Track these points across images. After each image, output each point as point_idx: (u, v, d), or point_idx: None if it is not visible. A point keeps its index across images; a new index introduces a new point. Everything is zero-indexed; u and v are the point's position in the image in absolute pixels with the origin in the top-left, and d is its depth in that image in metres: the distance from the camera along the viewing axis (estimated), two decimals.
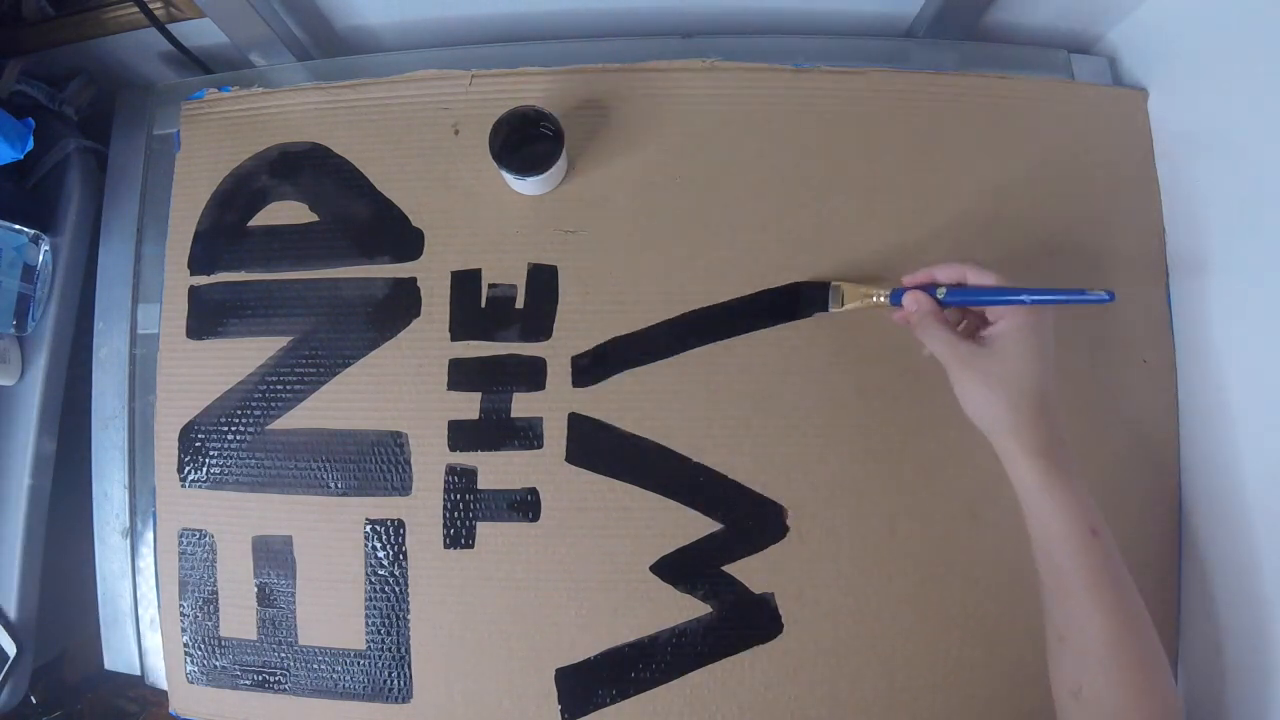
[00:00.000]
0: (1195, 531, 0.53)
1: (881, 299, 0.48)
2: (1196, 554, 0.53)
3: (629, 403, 0.53)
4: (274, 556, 0.54)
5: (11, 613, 0.58)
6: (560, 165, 0.51)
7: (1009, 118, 0.56)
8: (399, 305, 0.54)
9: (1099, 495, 0.53)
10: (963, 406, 0.44)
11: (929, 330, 0.44)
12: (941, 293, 0.45)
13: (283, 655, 0.53)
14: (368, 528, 0.53)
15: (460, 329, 0.54)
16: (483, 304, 0.54)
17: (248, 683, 0.54)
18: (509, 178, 0.51)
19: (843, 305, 0.51)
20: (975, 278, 0.44)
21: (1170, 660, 0.53)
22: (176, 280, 0.57)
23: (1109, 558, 0.40)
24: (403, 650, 0.52)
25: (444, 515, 0.53)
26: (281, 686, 0.53)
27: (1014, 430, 0.41)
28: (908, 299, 0.46)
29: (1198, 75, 0.53)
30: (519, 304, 0.54)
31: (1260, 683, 0.48)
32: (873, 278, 0.53)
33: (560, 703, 0.51)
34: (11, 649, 0.58)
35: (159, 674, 0.57)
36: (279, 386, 0.55)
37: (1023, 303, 0.42)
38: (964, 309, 0.46)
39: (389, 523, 0.53)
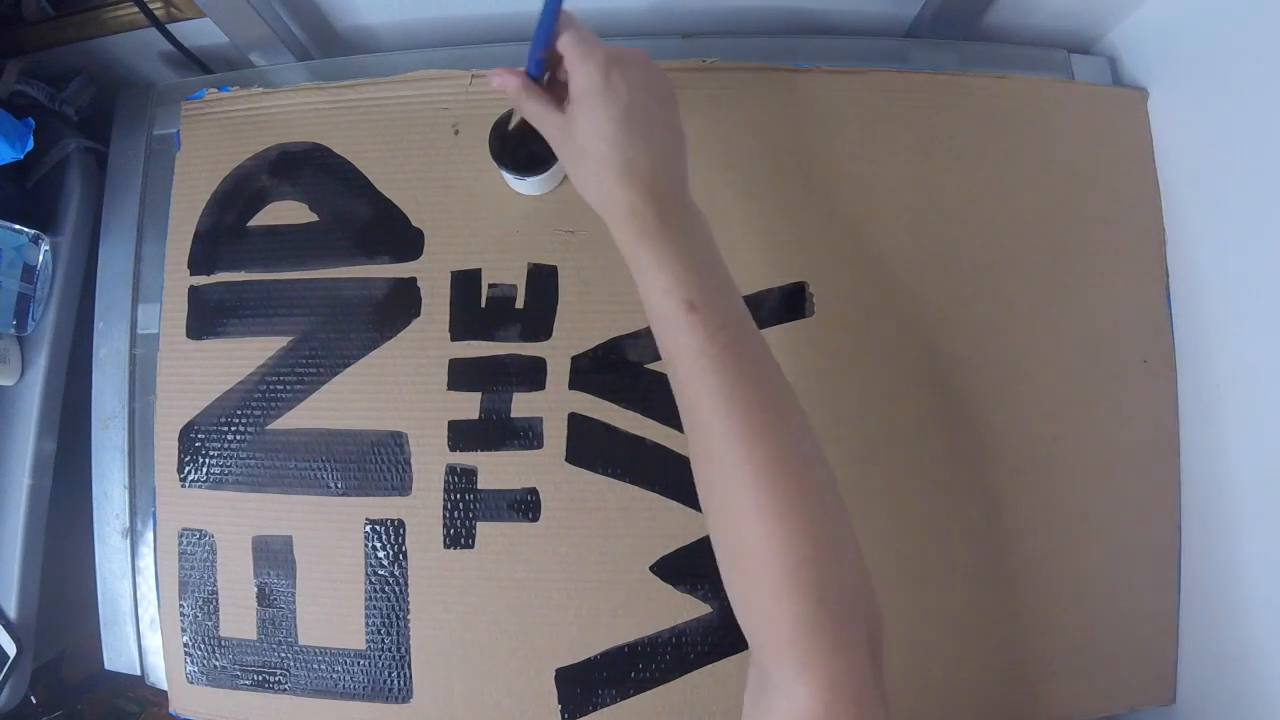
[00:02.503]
0: (1195, 531, 0.53)
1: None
2: (1196, 554, 0.53)
3: (629, 403, 0.53)
4: (274, 556, 0.54)
5: (11, 613, 0.58)
6: (560, 165, 0.51)
7: (1009, 118, 0.56)
8: (399, 305, 0.54)
9: (1098, 496, 0.53)
10: (575, 186, 0.39)
11: (523, 105, 0.39)
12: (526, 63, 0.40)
13: (283, 655, 0.53)
14: (368, 528, 0.53)
15: (460, 329, 0.54)
16: (483, 304, 0.54)
17: (248, 683, 0.54)
18: (509, 178, 0.51)
19: (511, 123, 0.47)
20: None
21: (1170, 660, 0.53)
22: (176, 280, 0.57)
23: (715, 337, 0.34)
24: (403, 650, 0.52)
25: (444, 515, 0.53)
26: (281, 686, 0.53)
27: (600, 199, 0.37)
28: (493, 78, 0.40)
29: (1198, 75, 0.53)
30: (519, 304, 0.54)
31: (1260, 683, 0.48)
32: (873, 279, 0.53)
33: (560, 703, 0.51)
34: (11, 649, 0.58)
35: (159, 674, 0.57)
36: (279, 386, 0.55)
37: (540, 43, 0.37)
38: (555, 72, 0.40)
39: (389, 523, 0.53)
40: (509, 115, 0.49)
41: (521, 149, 0.51)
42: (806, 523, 0.33)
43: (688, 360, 0.35)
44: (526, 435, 0.53)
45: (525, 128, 0.50)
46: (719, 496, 0.35)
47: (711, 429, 0.34)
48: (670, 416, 0.52)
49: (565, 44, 0.36)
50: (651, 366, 0.52)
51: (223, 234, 0.57)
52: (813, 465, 0.35)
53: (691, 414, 0.36)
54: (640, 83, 0.37)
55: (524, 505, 0.52)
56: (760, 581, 0.33)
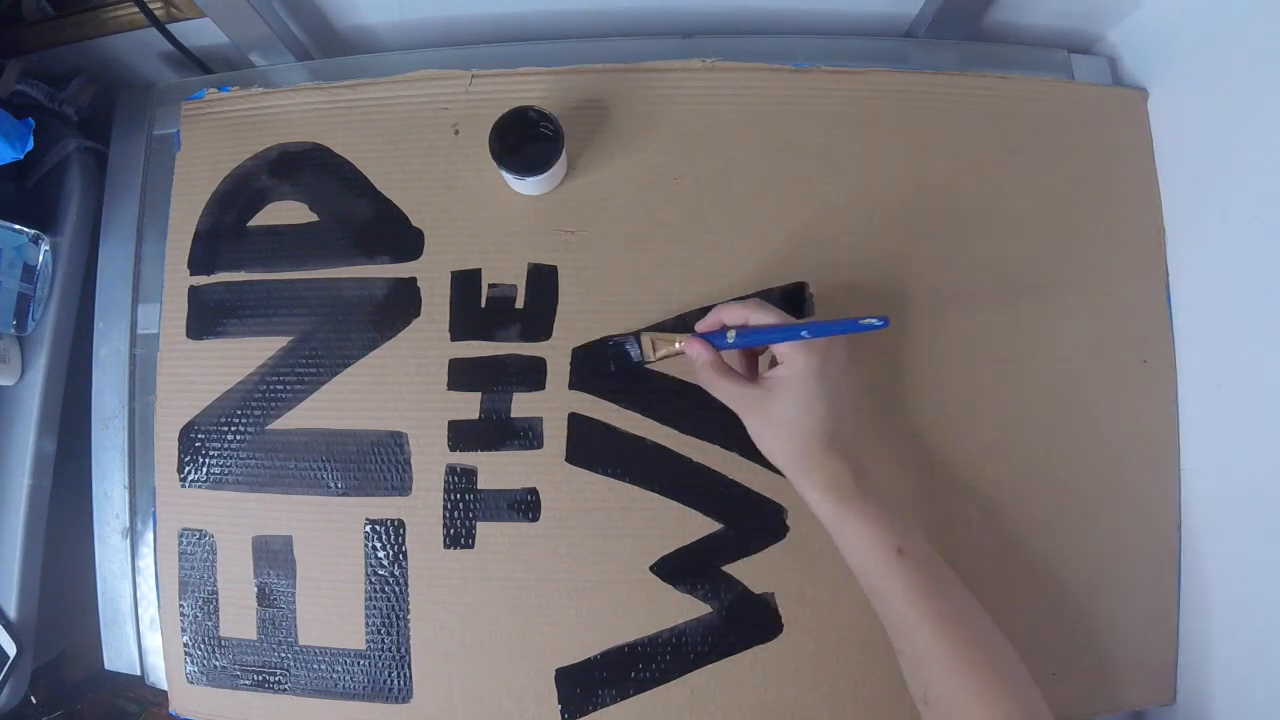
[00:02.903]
0: (1195, 531, 0.53)
1: (679, 347, 0.48)
2: (1196, 554, 0.53)
3: (629, 403, 0.53)
4: (274, 556, 0.54)
5: (11, 613, 0.58)
6: (560, 165, 0.51)
7: (1009, 118, 0.56)
8: (399, 305, 0.54)
9: (1098, 496, 0.53)
10: (756, 444, 0.45)
11: (709, 381, 0.45)
12: (731, 335, 0.45)
13: (283, 655, 0.53)
14: (368, 528, 0.53)
15: (460, 329, 0.54)
16: (483, 304, 0.54)
17: (248, 683, 0.54)
18: (509, 178, 0.51)
19: (655, 356, 0.50)
20: (757, 317, 0.44)
21: (1170, 660, 0.53)
22: (176, 280, 0.57)
23: (921, 572, 0.41)
24: (403, 650, 0.52)
25: (444, 515, 0.53)
26: (281, 686, 0.53)
27: (802, 471, 0.42)
28: (687, 350, 0.46)
29: (1198, 75, 0.53)
30: (519, 304, 0.54)
31: (1259, 683, 0.48)
32: (873, 279, 0.53)
33: (560, 703, 0.51)
34: (11, 649, 0.58)
35: (159, 674, 0.57)
36: (279, 386, 0.55)
37: (802, 337, 0.42)
38: (752, 350, 0.47)
39: (389, 523, 0.53)
40: (510, 114, 0.49)
41: (522, 149, 0.51)
42: (1018, 702, 0.39)
43: (900, 593, 0.41)
44: (526, 435, 0.53)
45: (525, 129, 0.50)
46: (936, 689, 0.40)
47: (927, 643, 0.40)
48: (670, 416, 0.52)
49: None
50: (651, 366, 0.52)
51: (223, 234, 0.57)
52: (1011, 657, 0.41)
53: (905, 634, 0.41)
54: (843, 368, 0.44)
55: (524, 505, 0.52)
56: None
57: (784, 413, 0.42)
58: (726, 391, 0.45)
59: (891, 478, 0.52)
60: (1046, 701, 0.40)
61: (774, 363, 0.45)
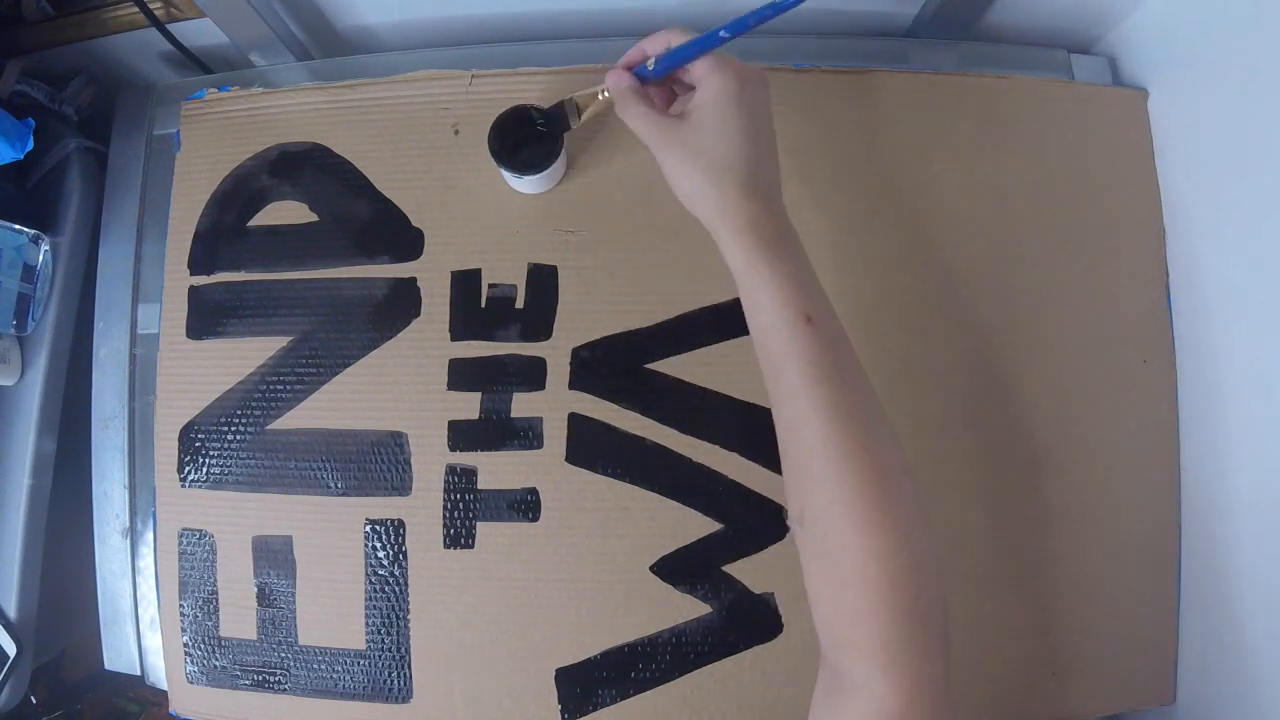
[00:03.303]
0: (1195, 531, 0.53)
1: (606, 94, 0.44)
2: (1196, 554, 0.53)
3: (629, 403, 0.53)
4: (274, 556, 0.54)
5: (11, 613, 0.58)
6: (560, 164, 0.51)
7: (1009, 118, 0.56)
8: (399, 305, 0.54)
9: (1098, 496, 0.53)
10: (673, 190, 0.40)
11: (627, 108, 0.41)
12: (650, 64, 0.41)
13: (283, 655, 0.53)
14: (368, 528, 0.53)
15: (460, 329, 0.54)
16: (483, 304, 0.54)
17: (248, 683, 0.54)
18: (508, 176, 0.51)
19: (580, 118, 0.47)
20: (678, 38, 0.40)
21: (1170, 660, 0.53)
22: (176, 280, 0.57)
23: (827, 349, 0.36)
24: (403, 650, 0.52)
25: (444, 515, 0.53)
26: (281, 686, 0.53)
27: (719, 209, 0.38)
28: (608, 78, 0.42)
29: (1198, 75, 0.53)
30: (519, 304, 0.54)
31: (1260, 683, 0.48)
32: (872, 278, 0.53)
33: (560, 703, 0.51)
34: (11, 649, 0.58)
35: (159, 674, 0.57)
36: (279, 386, 0.55)
37: (721, 38, 0.38)
38: (674, 82, 0.43)
39: (389, 523, 0.53)
40: (509, 113, 0.49)
41: (522, 148, 0.51)
42: (903, 533, 0.34)
43: (798, 370, 0.36)
44: (526, 435, 0.53)
45: (525, 127, 0.50)
46: (816, 500, 0.36)
47: (814, 439, 0.35)
48: (670, 417, 0.52)
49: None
50: (651, 366, 0.52)
51: (223, 234, 0.57)
52: (905, 476, 0.36)
53: (794, 424, 0.37)
54: (764, 100, 0.40)
55: (524, 505, 0.52)
56: (852, 586, 0.34)
57: (700, 141, 0.38)
58: (643, 121, 0.40)
59: None
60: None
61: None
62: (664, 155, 0.40)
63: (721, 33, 0.38)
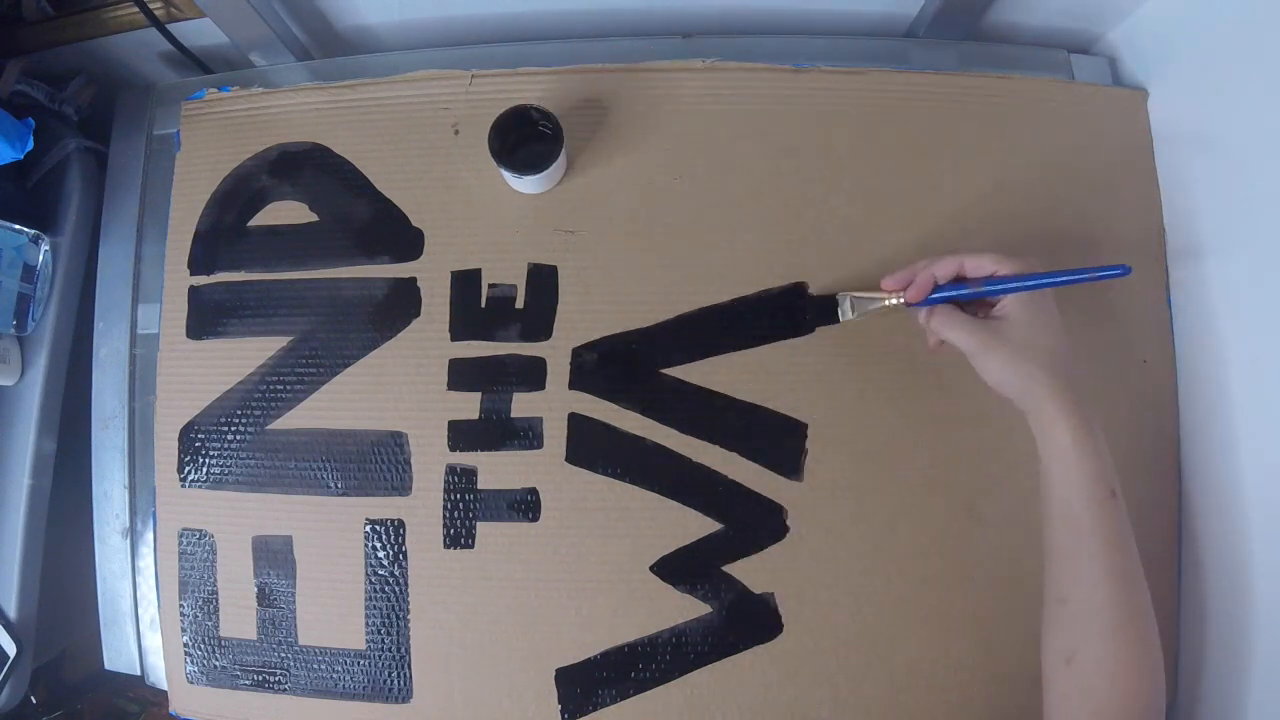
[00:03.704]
0: (1195, 531, 0.53)
1: (894, 302, 0.48)
2: (1196, 554, 0.53)
3: (629, 403, 0.53)
4: (274, 556, 0.54)
5: (11, 613, 0.58)
6: (559, 164, 0.51)
7: (1009, 118, 0.56)
8: (399, 305, 0.54)
9: None
10: (995, 385, 0.44)
11: (952, 323, 0.45)
12: (973, 287, 0.45)
13: (283, 655, 0.53)
14: (368, 528, 0.53)
15: (460, 329, 0.54)
16: (483, 304, 0.54)
17: (248, 683, 0.54)
18: (508, 176, 0.51)
19: (852, 315, 0.51)
20: (974, 269, 0.45)
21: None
22: (176, 280, 0.57)
23: (1123, 523, 0.41)
24: (403, 650, 0.52)
25: (444, 515, 0.53)
26: (281, 686, 0.53)
27: (1051, 393, 0.42)
28: (924, 314, 0.47)
29: (1198, 75, 0.53)
30: (519, 304, 0.54)
31: (1260, 682, 0.48)
32: (872, 281, 0.53)
33: (560, 703, 0.51)
34: (11, 649, 0.58)
35: (159, 674, 0.57)
36: (279, 386, 0.55)
37: (1043, 286, 0.43)
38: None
39: (389, 523, 0.53)
40: (509, 113, 0.49)
41: (522, 148, 0.51)
42: (1158, 673, 0.40)
43: (1099, 541, 0.40)
44: (526, 435, 0.53)
45: (525, 127, 0.50)
46: (1090, 650, 0.40)
47: (1103, 600, 0.40)
48: (670, 417, 0.52)
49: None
50: (651, 367, 0.52)
51: (223, 234, 0.57)
52: (1154, 618, 0.41)
53: (1083, 583, 0.41)
54: (1051, 292, 0.44)
55: (524, 505, 0.52)
56: (1106, 714, 0.39)
57: (1025, 337, 0.43)
58: (965, 329, 0.44)
59: (892, 478, 0.52)
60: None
61: (984, 305, 0.46)
62: (991, 353, 0.44)
63: (1044, 281, 0.43)
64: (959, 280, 0.46)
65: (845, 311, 0.51)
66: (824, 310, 0.52)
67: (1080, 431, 0.41)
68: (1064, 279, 0.43)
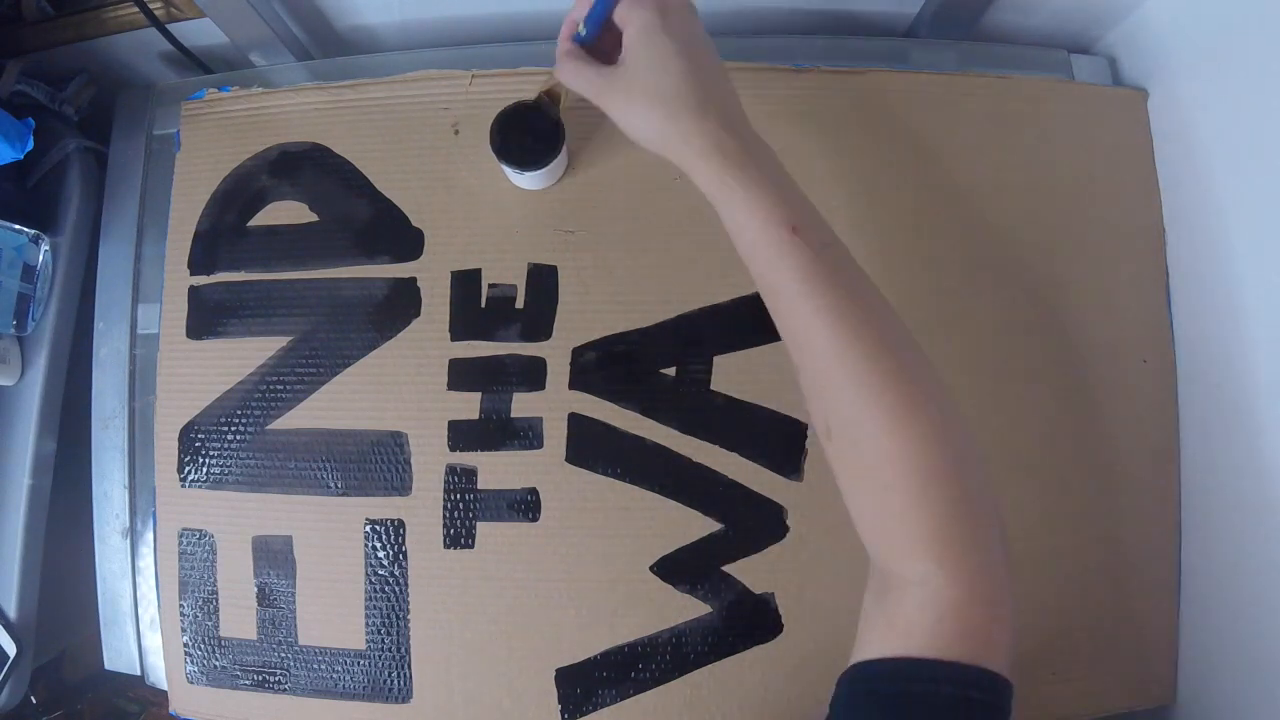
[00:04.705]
0: (1195, 531, 0.53)
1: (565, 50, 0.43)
2: (1196, 553, 0.53)
3: (629, 403, 0.53)
4: (274, 556, 0.54)
5: (11, 613, 0.58)
6: (560, 160, 0.51)
7: (1009, 118, 0.56)
8: (399, 305, 0.54)
9: (1098, 495, 0.53)
10: (630, 136, 0.39)
11: (564, 70, 0.41)
12: (582, 31, 0.41)
13: (283, 655, 0.53)
14: (368, 528, 0.53)
15: (460, 329, 0.54)
16: (483, 304, 0.54)
17: (248, 683, 0.54)
18: (509, 172, 0.51)
19: (560, 104, 0.47)
20: None
21: (1170, 660, 0.53)
22: (176, 280, 0.57)
23: (820, 258, 0.35)
24: (403, 650, 0.52)
25: (444, 515, 0.53)
26: (281, 686, 0.53)
27: (679, 138, 0.37)
28: (557, 58, 0.42)
29: (1198, 75, 0.53)
30: (519, 304, 0.54)
31: (1260, 682, 0.48)
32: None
33: (560, 703, 0.51)
34: (11, 649, 0.58)
35: (159, 674, 0.57)
36: (279, 386, 0.55)
37: (612, 2, 0.38)
38: (605, 38, 0.41)
39: (389, 523, 0.53)
40: (511, 109, 0.49)
41: (523, 144, 0.51)
42: (937, 427, 0.33)
43: (794, 284, 0.35)
44: (526, 435, 0.53)
45: (526, 123, 0.50)
46: (841, 412, 0.35)
47: (825, 348, 0.34)
48: (670, 417, 0.52)
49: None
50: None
51: (223, 234, 0.57)
52: (928, 372, 0.35)
53: (801, 338, 0.36)
54: (691, 22, 0.38)
55: (524, 505, 0.52)
56: (894, 489, 0.33)
57: (638, 78, 0.37)
58: (581, 78, 0.40)
59: None
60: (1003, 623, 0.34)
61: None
62: (609, 103, 0.39)
63: None
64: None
65: (552, 108, 0.47)
66: (544, 115, 0.47)
67: (725, 172, 0.36)
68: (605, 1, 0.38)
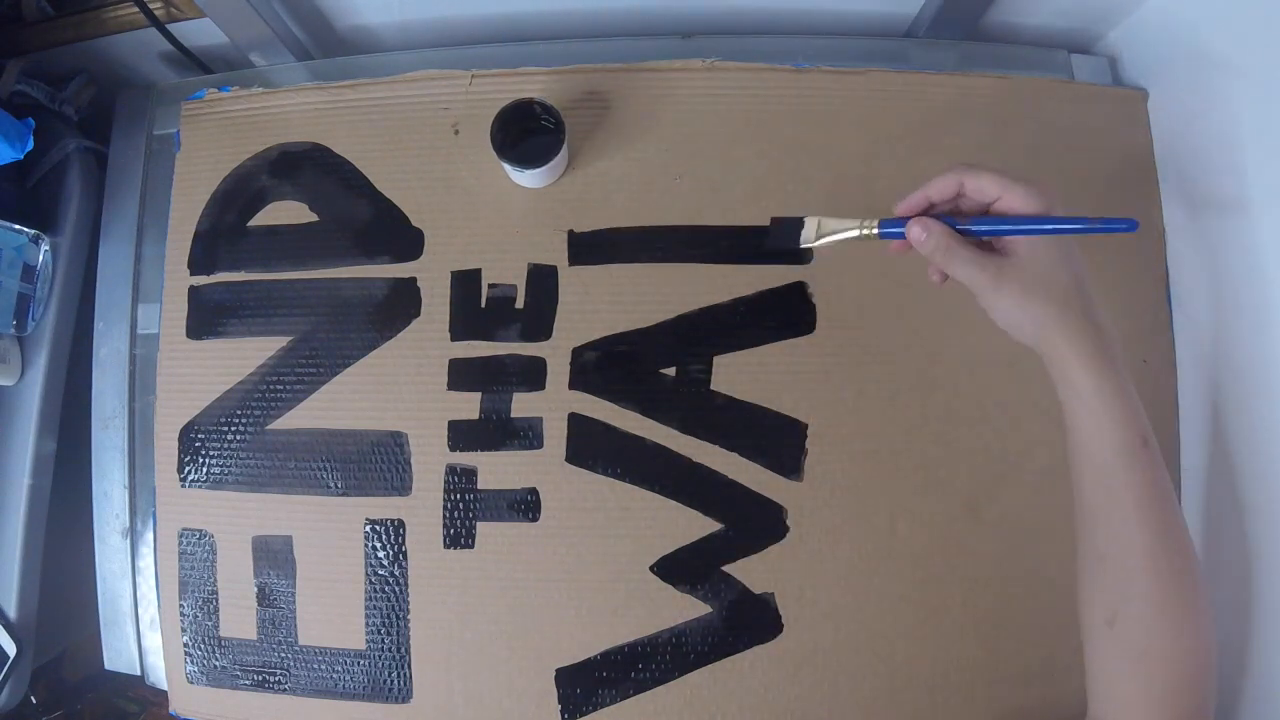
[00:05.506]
0: (1195, 531, 0.53)
1: (869, 231, 0.43)
2: (1196, 554, 0.53)
3: (629, 403, 0.53)
4: (274, 556, 0.54)
5: (11, 613, 0.58)
6: (561, 158, 0.51)
7: (1009, 118, 0.56)
8: (399, 305, 0.54)
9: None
10: (1005, 325, 0.40)
11: (953, 255, 0.40)
12: (965, 221, 0.40)
13: (283, 655, 0.53)
14: (368, 528, 0.53)
15: (460, 329, 0.54)
16: (483, 304, 0.54)
17: (248, 683, 0.54)
18: (510, 170, 0.51)
19: (815, 239, 0.45)
20: (975, 190, 0.40)
21: None
22: (176, 280, 0.57)
23: (1158, 472, 0.37)
24: (403, 650, 0.52)
25: (444, 515, 0.53)
26: (281, 686, 0.53)
27: (1065, 333, 0.38)
28: (915, 229, 0.41)
29: (1198, 75, 0.53)
30: (519, 304, 0.54)
31: (1260, 682, 0.48)
32: (872, 278, 0.53)
33: (560, 703, 0.51)
34: (11, 649, 0.58)
35: (159, 674, 0.57)
36: (279, 386, 0.55)
37: (1046, 232, 0.39)
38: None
39: (389, 523, 0.53)
40: (513, 106, 0.49)
41: (524, 142, 0.51)
42: (1206, 633, 0.37)
43: (1135, 493, 0.37)
44: (526, 435, 0.53)
45: (527, 121, 0.50)
46: (1131, 609, 0.38)
47: (1141, 557, 0.37)
48: (670, 417, 0.52)
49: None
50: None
51: (223, 234, 0.57)
52: (1203, 577, 0.38)
53: (1119, 539, 0.38)
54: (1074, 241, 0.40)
55: (524, 505, 0.52)
56: (1155, 679, 0.37)
57: (1036, 272, 0.38)
58: (971, 263, 0.39)
59: (892, 477, 0.52)
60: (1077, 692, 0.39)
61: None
62: (999, 293, 0.39)
63: (1048, 226, 0.39)
64: (954, 212, 0.41)
65: (808, 235, 0.45)
66: (784, 235, 0.46)
67: (1104, 376, 0.37)
68: (1069, 226, 0.38)
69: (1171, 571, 0.37)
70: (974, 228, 0.40)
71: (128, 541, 0.58)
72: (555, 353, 0.53)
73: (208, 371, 0.56)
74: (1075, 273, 0.39)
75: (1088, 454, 0.39)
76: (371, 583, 0.53)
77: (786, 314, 0.53)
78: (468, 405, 0.53)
